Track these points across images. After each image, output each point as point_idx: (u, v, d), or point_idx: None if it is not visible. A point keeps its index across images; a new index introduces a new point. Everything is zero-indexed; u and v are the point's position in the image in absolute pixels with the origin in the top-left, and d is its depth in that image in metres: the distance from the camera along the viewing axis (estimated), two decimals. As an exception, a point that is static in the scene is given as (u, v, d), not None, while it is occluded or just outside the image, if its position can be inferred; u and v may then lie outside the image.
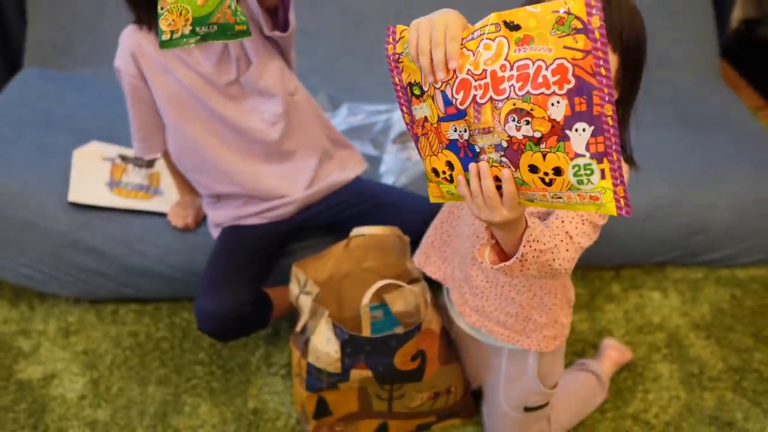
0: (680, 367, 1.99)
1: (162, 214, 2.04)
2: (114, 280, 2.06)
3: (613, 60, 1.18)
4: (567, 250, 1.24)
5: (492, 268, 1.21)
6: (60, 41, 2.54)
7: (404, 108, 1.13)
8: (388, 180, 2.16)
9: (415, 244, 1.77)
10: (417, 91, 1.08)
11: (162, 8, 1.31)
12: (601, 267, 2.27)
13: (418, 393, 1.69)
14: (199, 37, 1.35)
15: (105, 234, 2.01)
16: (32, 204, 2.00)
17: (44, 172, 2.07)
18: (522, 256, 1.17)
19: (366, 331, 1.59)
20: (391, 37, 1.09)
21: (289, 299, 1.93)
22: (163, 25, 1.32)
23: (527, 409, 1.64)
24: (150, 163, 2.15)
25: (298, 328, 1.70)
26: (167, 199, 2.07)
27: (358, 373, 1.60)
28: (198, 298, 1.74)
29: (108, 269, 2.04)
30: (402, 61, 1.09)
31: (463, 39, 1.02)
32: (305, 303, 1.69)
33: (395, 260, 1.82)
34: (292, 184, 1.86)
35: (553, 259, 1.22)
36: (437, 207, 1.65)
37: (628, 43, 1.19)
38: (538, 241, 1.18)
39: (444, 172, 1.10)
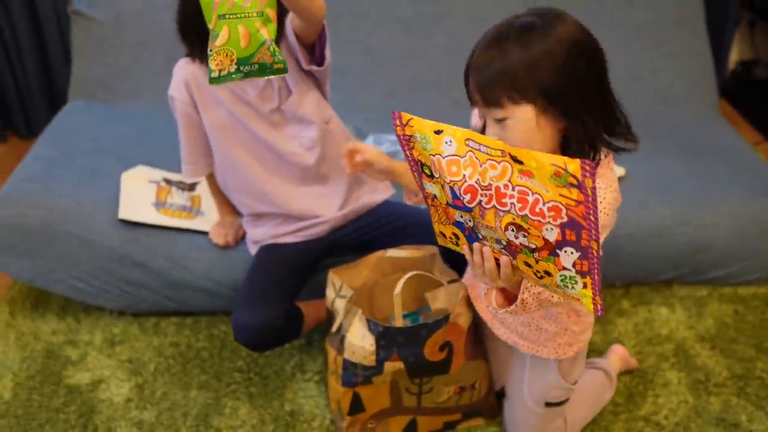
0: (687, 375, 2.12)
1: (204, 233, 2.20)
2: (159, 294, 2.21)
3: (529, 109, 1.30)
4: None
5: (498, 312, 1.38)
6: (103, 78, 2.73)
7: (415, 176, 1.29)
8: (412, 203, 2.31)
9: (443, 256, 1.93)
10: (428, 171, 1.24)
11: (211, 50, 1.50)
12: (612, 285, 2.41)
13: (446, 386, 1.82)
14: (242, 74, 1.53)
15: (151, 250, 2.17)
16: (85, 221, 2.16)
17: (95, 193, 2.23)
18: (521, 302, 1.34)
19: (399, 321, 1.74)
20: (398, 121, 1.24)
21: (321, 312, 2.08)
22: (212, 64, 1.51)
23: (548, 405, 1.77)
24: (192, 187, 2.32)
25: (334, 328, 1.85)
26: (208, 219, 2.23)
27: (391, 366, 1.75)
28: (235, 311, 1.89)
29: (153, 283, 2.19)
30: (413, 143, 1.24)
31: (469, 140, 1.17)
32: (340, 305, 1.84)
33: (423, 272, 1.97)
34: (326, 206, 2.02)
35: (551, 296, 1.37)
36: None
37: (543, 84, 1.29)
38: (535, 286, 1.34)
39: (451, 238, 1.28)
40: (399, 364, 1.75)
